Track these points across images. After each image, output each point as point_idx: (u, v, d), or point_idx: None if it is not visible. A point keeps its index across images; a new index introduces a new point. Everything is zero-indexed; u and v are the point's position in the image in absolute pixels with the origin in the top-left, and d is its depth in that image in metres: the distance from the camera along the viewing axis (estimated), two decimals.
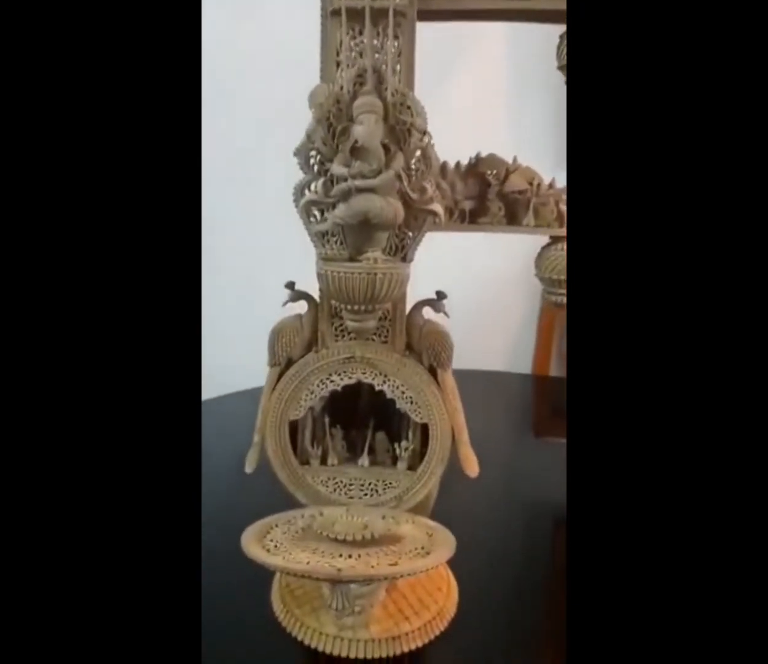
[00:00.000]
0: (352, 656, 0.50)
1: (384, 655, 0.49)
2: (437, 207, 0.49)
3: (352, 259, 0.47)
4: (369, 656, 0.49)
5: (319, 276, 0.51)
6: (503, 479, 0.75)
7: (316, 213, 0.51)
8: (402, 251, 0.52)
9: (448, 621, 0.54)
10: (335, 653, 0.49)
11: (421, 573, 0.46)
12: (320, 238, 0.51)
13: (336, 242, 0.51)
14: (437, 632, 0.52)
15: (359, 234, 0.49)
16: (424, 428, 0.54)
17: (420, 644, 0.50)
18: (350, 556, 0.47)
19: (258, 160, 1.14)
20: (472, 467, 0.56)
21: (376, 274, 0.48)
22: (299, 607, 0.52)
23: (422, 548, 0.50)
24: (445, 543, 0.49)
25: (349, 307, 0.50)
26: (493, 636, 0.52)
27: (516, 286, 1.55)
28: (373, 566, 0.45)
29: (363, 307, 0.49)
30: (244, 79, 1.20)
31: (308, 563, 0.46)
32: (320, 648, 0.50)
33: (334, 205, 0.48)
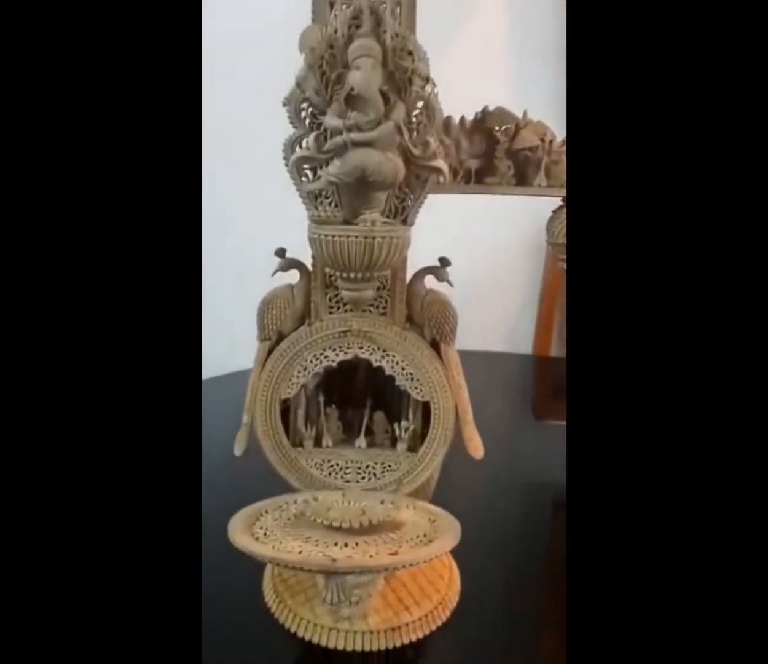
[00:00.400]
0: (349, 648, 0.47)
1: (383, 647, 0.47)
2: (441, 164, 0.45)
3: (347, 221, 0.44)
4: (367, 649, 0.47)
5: (312, 241, 0.47)
6: (503, 463, 0.73)
7: (308, 171, 0.47)
8: (402, 214, 0.48)
9: (451, 611, 0.51)
10: (331, 645, 0.47)
11: (423, 563, 0.42)
12: (312, 198, 0.47)
13: (330, 203, 0.46)
14: (439, 623, 0.50)
15: (355, 194, 0.45)
16: (426, 407, 0.52)
17: (421, 636, 0.48)
18: (346, 544, 0.44)
19: (249, 129, 1.09)
20: (476, 448, 0.52)
21: (374, 238, 0.44)
22: (292, 597, 0.50)
23: (424, 535, 0.46)
24: (449, 530, 0.46)
25: (344, 275, 0.46)
26: (493, 625, 0.50)
27: (516, 263, 1.52)
28: (371, 556, 0.41)
29: (360, 275, 0.46)
30: (233, 44, 1.14)
31: (300, 552, 0.42)
32: (315, 640, 0.47)
33: (327, 162, 0.44)
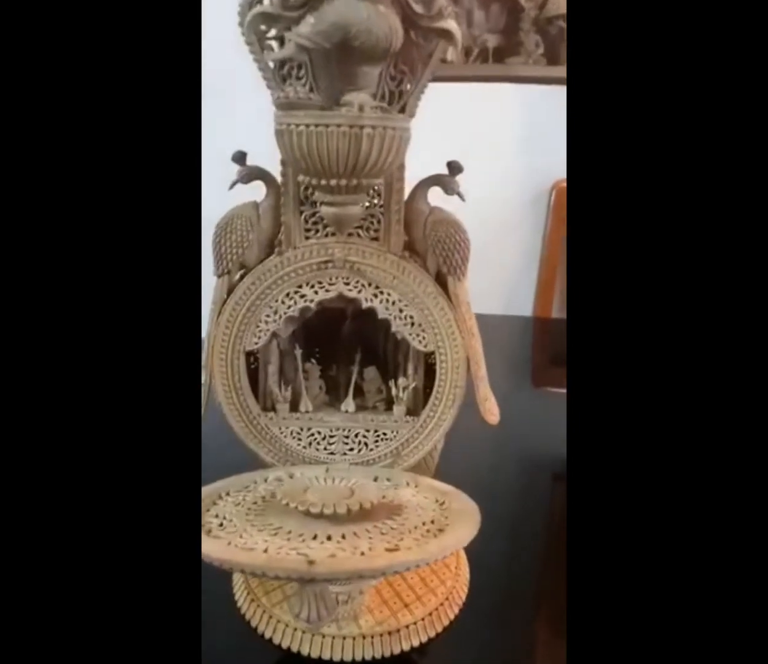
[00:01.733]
0: (337, 657, 0.40)
1: (378, 655, 0.40)
2: (452, 25, 0.34)
3: (326, 107, 0.35)
4: (359, 658, 0.40)
5: (279, 135, 0.36)
6: (500, 432, 0.66)
7: (273, 39, 0.37)
8: (399, 100, 0.38)
9: (459, 607, 0.45)
10: (314, 653, 0.40)
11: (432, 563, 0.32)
12: (279, 75, 0.37)
13: (302, 82, 0.36)
14: (446, 623, 0.44)
15: (336, 67, 0.35)
16: (429, 360, 0.46)
17: (424, 640, 0.42)
18: (329, 538, 0.34)
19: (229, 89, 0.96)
20: (491, 411, 0.45)
21: (362, 128, 0.34)
22: (267, 594, 0.43)
23: (432, 522, 0.37)
24: (465, 516, 0.36)
25: (323, 182, 0.36)
26: (501, 622, 0.45)
27: (516, 219, 1.43)
28: (362, 553, 0.31)
29: (344, 183, 0.36)
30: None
31: (265, 550, 0.32)
32: (294, 648, 0.40)
33: (297, 20, 0.33)
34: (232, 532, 0.34)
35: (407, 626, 0.41)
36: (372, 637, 0.40)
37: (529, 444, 0.71)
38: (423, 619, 0.42)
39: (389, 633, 0.41)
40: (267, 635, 0.41)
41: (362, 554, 0.31)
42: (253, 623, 0.42)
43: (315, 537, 0.34)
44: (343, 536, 0.34)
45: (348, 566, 0.30)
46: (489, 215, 1.33)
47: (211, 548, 0.31)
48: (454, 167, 0.41)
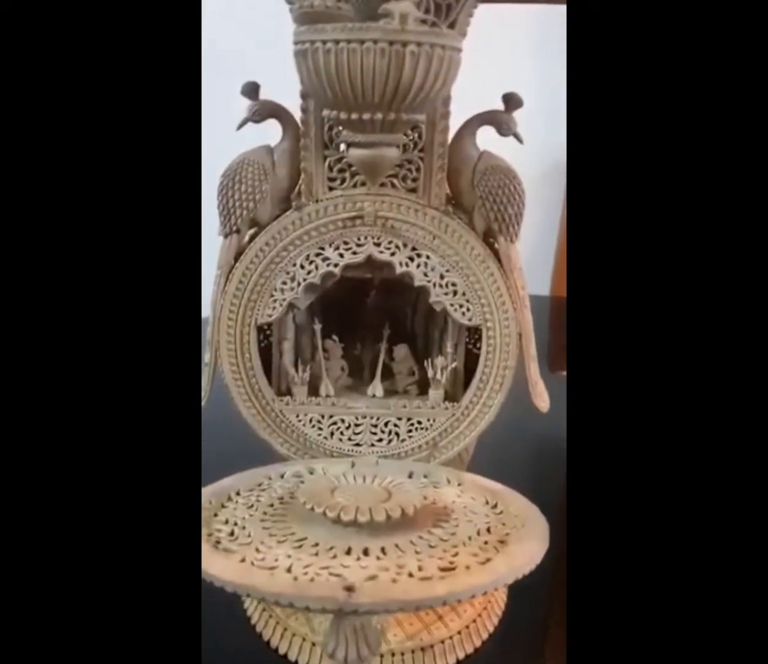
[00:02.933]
0: None
1: None
2: None
3: (359, 18, 0.30)
4: None
5: (300, 57, 0.31)
6: (515, 419, 0.65)
7: None
8: (448, 14, 0.31)
9: (498, 618, 0.42)
10: None
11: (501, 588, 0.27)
12: None
13: None
14: (484, 636, 0.41)
15: None
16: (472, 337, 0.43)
17: (461, 656, 0.39)
18: (365, 552, 0.28)
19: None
20: (542, 395, 0.41)
21: (404, 45, 0.29)
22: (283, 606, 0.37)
23: (488, 531, 0.32)
24: (528, 523, 0.31)
25: (353, 116, 0.31)
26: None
27: (533, 193, 1.39)
28: (411, 574, 0.26)
29: (379, 118, 0.31)
30: None
31: (289, 569, 0.26)
32: None
33: None
34: (246, 543, 0.29)
35: (442, 642, 0.39)
36: (402, 654, 0.38)
37: (543, 429, 0.66)
38: (459, 632, 0.39)
39: (422, 649, 0.38)
40: (282, 650, 0.39)
41: (410, 575, 0.26)
42: (266, 636, 0.40)
43: (349, 551, 0.28)
44: (384, 551, 0.28)
45: (398, 595, 0.24)
46: None
47: (223, 568, 0.25)
48: (512, 100, 0.35)
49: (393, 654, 0.38)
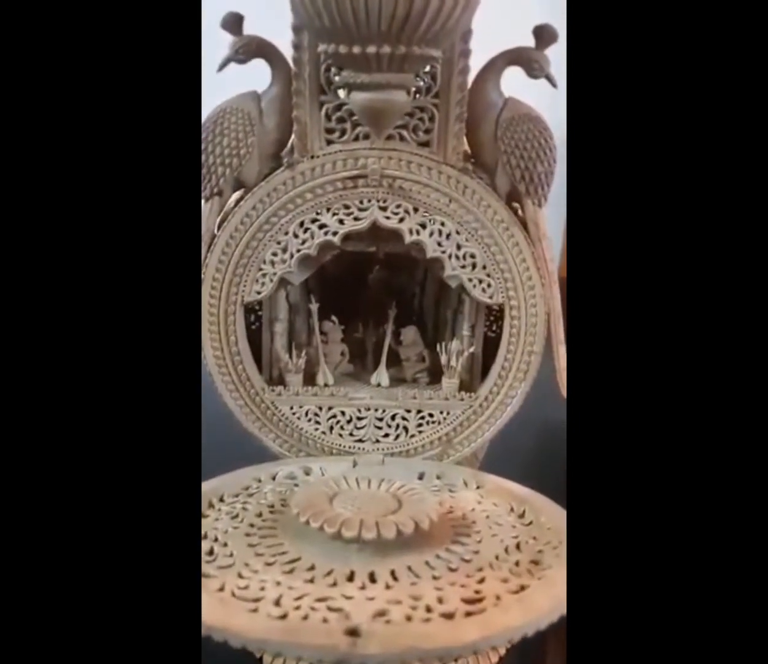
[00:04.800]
0: None
1: None
2: None
3: None
4: None
5: None
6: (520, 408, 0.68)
7: None
8: None
9: None
10: None
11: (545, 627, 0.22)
12: None
13: None
14: (502, 652, 0.35)
15: None
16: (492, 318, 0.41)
17: None
18: (372, 578, 0.24)
19: None
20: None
21: None
22: None
23: (518, 548, 0.28)
24: (563, 537, 0.25)
25: (356, 50, 0.28)
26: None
27: None
28: (429, 610, 0.21)
29: (386, 52, 0.28)
30: None
31: (279, 601, 0.22)
32: None
33: None
34: (227, 566, 0.24)
35: (455, 660, 0.33)
36: None
37: (549, 411, 0.62)
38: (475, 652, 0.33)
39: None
40: None
41: (428, 610, 0.21)
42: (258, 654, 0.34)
43: (351, 577, 0.24)
44: (394, 576, 0.23)
45: (416, 640, 0.19)
46: None
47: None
48: (545, 34, 0.30)
49: None
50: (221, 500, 0.31)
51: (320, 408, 0.39)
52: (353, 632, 0.20)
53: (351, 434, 0.39)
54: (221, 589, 0.23)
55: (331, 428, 0.39)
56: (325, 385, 0.40)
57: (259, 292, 0.37)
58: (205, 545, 0.27)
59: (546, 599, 0.22)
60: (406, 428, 0.39)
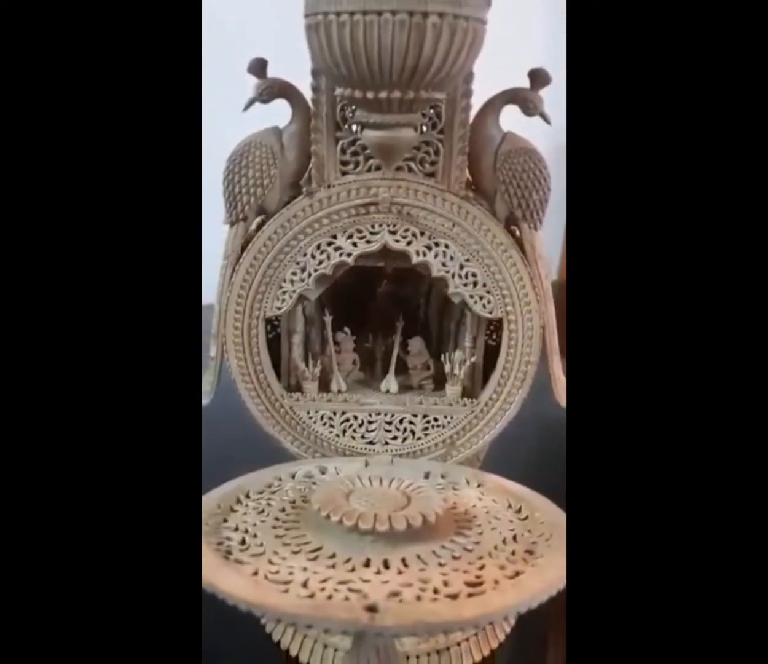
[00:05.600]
0: None
1: None
2: None
3: None
4: None
5: (311, 32, 0.29)
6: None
7: None
8: None
9: (515, 618, 0.41)
10: None
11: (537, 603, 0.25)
12: None
13: None
14: (501, 638, 0.40)
15: None
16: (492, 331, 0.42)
17: (478, 659, 0.38)
18: (386, 564, 0.26)
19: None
20: (564, 389, 0.40)
21: (426, 16, 0.28)
22: None
23: (515, 539, 0.30)
24: (559, 532, 0.29)
25: (369, 95, 0.30)
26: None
27: None
28: (436, 590, 0.24)
29: (397, 97, 0.29)
30: None
31: (305, 583, 0.25)
32: None
33: None
34: (259, 554, 0.27)
35: (458, 644, 0.38)
36: (417, 657, 0.37)
37: (550, 415, 0.67)
38: (476, 635, 0.38)
39: (437, 652, 0.37)
40: (293, 652, 0.38)
41: (435, 591, 0.24)
42: (276, 637, 0.39)
43: (368, 563, 0.26)
44: (405, 563, 0.26)
45: (425, 616, 0.22)
46: None
47: (233, 584, 0.23)
48: (539, 77, 0.33)
49: (408, 657, 0.37)
50: (247, 496, 0.33)
51: (334, 413, 0.41)
52: (372, 609, 0.22)
53: (362, 437, 0.41)
54: (255, 573, 0.25)
55: (344, 431, 0.41)
56: (339, 391, 0.42)
57: (279, 308, 0.38)
58: (236, 536, 0.29)
59: (538, 583, 0.24)
60: (413, 431, 0.41)
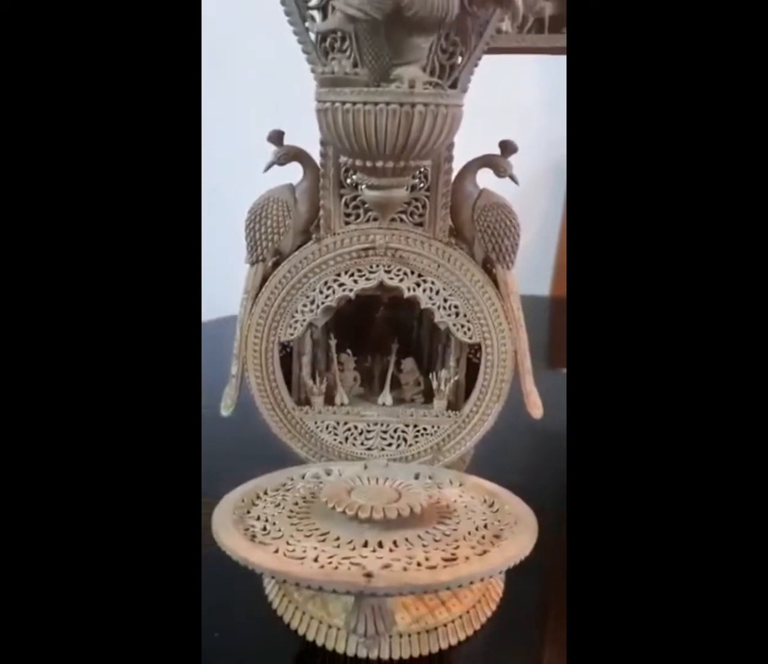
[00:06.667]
0: (373, 656, 0.38)
1: (416, 654, 0.39)
2: None
3: (372, 83, 0.33)
4: (396, 657, 0.38)
5: (321, 114, 0.34)
6: (513, 412, 0.65)
7: (315, 9, 0.34)
8: (451, 74, 0.35)
9: (496, 604, 0.44)
10: (349, 652, 0.38)
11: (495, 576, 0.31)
12: (321, 48, 0.34)
13: (347, 55, 0.34)
14: (483, 620, 0.42)
15: (385, 38, 0.32)
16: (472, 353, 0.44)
17: (462, 638, 0.41)
18: (380, 544, 0.32)
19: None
20: (536, 404, 0.44)
21: (413, 106, 0.32)
22: (301, 591, 0.41)
23: (485, 526, 0.35)
24: (520, 520, 0.34)
25: (367, 165, 0.34)
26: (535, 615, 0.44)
27: (533, 192, 1.37)
28: (419, 563, 0.29)
29: (390, 165, 0.34)
30: None
31: (317, 559, 0.30)
32: (329, 645, 0.39)
33: None
34: (278, 537, 0.32)
35: (445, 625, 0.40)
36: (409, 636, 0.39)
37: (543, 424, 0.69)
38: (460, 616, 0.41)
39: (426, 631, 0.39)
40: (300, 632, 0.40)
41: (419, 564, 0.30)
42: (286, 619, 0.41)
43: (366, 544, 0.32)
44: (395, 544, 0.32)
45: (408, 580, 0.28)
46: (505, 193, 1.30)
47: (261, 558, 0.29)
48: (508, 146, 0.38)
49: (401, 635, 0.39)
50: (265, 493, 0.39)
51: (338, 423, 0.44)
52: (368, 575, 0.28)
53: (362, 444, 0.44)
54: (276, 551, 0.31)
55: (347, 438, 0.44)
56: (342, 404, 0.45)
57: (291, 334, 0.42)
58: (259, 524, 0.34)
59: (499, 558, 0.30)
60: (405, 439, 0.44)
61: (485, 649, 0.41)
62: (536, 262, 1.35)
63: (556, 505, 0.50)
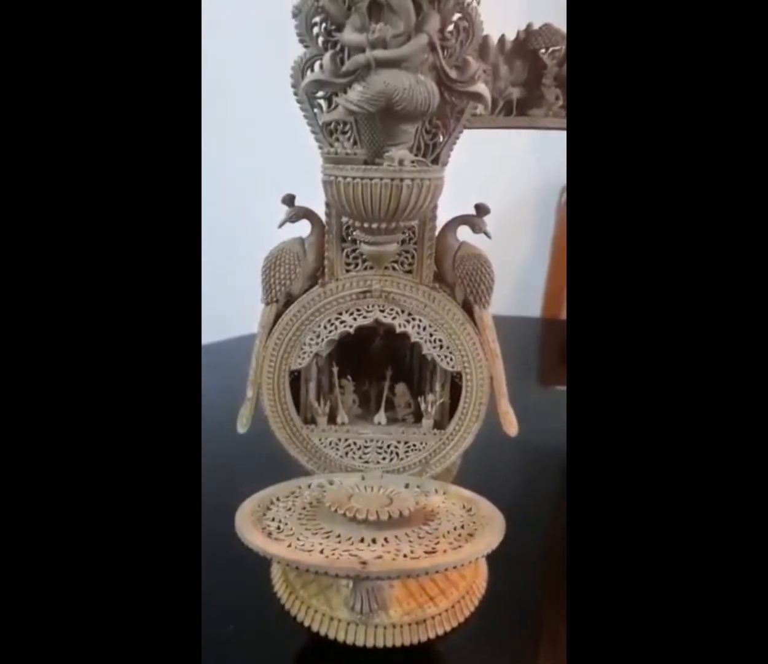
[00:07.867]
0: (369, 644, 0.42)
1: (407, 643, 0.42)
2: (483, 89, 0.37)
3: (369, 161, 0.39)
4: (389, 645, 0.42)
5: (326, 185, 0.40)
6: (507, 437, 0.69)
7: (322, 100, 0.40)
8: (434, 151, 0.41)
9: (479, 599, 0.47)
10: (349, 640, 0.42)
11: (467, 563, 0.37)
12: (327, 133, 0.40)
13: (348, 138, 0.40)
14: (467, 614, 0.45)
15: (380, 126, 0.38)
16: (455, 378, 0.47)
17: (448, 629, 0.44)
18: (374, 541, 0.38)
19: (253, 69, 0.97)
20: (511, 424, 0.48)
21: (402, 180, 0.38)
22: (304, 587, 0.45)
23: (462, 527, 0.40)
24: (491, 522, 0.40)
25: (365, 225, 0.40)
26: (520, 615, 0.46)
27: (524, 216, 1.40)
28: (405, 555, 0.35)
29: (383, 226, 0.39)
30: None
31: (322, 551, 0.36)
32: (331, 635, 0.42)
33: (346, 87, 0.37)
34: (290, 535, 0.38)
35: (432, 617, 0.43)
36: (401, 626, 0.42)
37: (535, 440, 0.67)
38: (446, 610, 0.44)
39: (416, 623, 0.43)
40: (306, 623, 0.43)
41: (405, 556, 0.35)
42: (292, 613, 0.44)
43: (362, 540, 0.37)
44: (386, 540, 0.38)
45: (396, 566, 0.34)
46: (498, 215, 1.34)
47: (277, 550, 0.35)
48: (482, 209, 0.44)
49: (394, 626, 0.42)
50: (278, 499, 0.44)
51: (339, 439, 0.48)
52: (364, 563, 0.34)
53: (360, 457, 0.47)
54: (289, 545, 0.36)
55: (347, 453, 0.48)
56: (342, 423, 0.48)
57: (300, 363, 0.46)
58: (273, 524, 0.40)
59: (469, 552, 0.36)
60: (397, 453, 0.47)
61: (467, 641, 0.44)
62: (528, 287, 1.40)
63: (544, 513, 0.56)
